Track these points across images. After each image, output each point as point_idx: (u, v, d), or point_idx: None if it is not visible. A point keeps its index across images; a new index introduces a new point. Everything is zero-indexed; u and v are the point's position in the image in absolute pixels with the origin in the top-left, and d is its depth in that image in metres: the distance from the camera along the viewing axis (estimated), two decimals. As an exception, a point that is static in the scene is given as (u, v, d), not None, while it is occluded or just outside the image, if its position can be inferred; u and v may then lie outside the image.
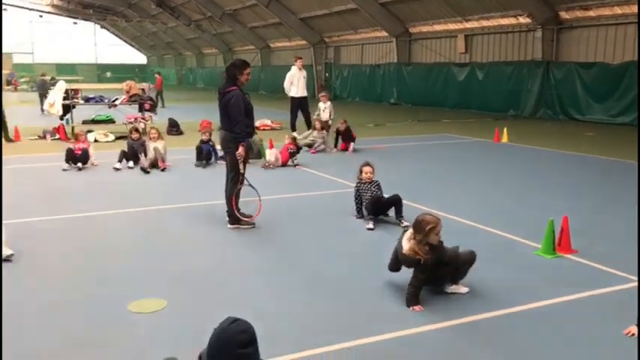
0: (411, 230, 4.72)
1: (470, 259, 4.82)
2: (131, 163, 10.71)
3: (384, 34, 31.09)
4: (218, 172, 9.34)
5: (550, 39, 22.43)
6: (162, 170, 10.48)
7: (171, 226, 6.96)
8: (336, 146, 13.41)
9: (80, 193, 8.85)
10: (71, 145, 10.29)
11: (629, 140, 15.31)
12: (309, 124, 15.11)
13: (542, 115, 22.23)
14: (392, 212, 7.04)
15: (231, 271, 5.44)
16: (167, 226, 6.97)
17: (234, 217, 6.71)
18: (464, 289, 4.79)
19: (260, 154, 11.37)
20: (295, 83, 15.45)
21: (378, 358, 3.79)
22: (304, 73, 15.79)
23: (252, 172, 10.27)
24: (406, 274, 4.71)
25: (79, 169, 10.40)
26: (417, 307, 4.49)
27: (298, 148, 11.47)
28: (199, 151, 11.34)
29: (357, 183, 7.19)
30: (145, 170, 10.26)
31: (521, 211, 7.74)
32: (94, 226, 6.97)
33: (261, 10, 37.40)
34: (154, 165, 10.58)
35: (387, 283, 5.00)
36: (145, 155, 10.59)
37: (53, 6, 58.63)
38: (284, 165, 11.18)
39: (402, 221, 6.80)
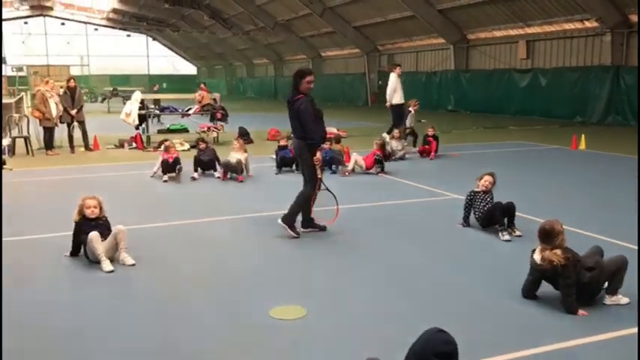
0: (539, 247, 4.61)
1: (621, 262, 4.64)
2: (216, 174, 10.68)
3: (440, 40, 30.83)
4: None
5: (620, 43, 21.80)
6: (241, 182, 10.23)
7: (273, 232, 6.95)
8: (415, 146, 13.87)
9: (179, 201, 8.98)
10: (164, 157, 10.39)
11: None
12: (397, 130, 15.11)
13: (611, 122, 21.58)
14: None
15: (350, 282, 5.38)
16: (269, 231, 6.94)
17: (291, 219, 6.69)
18: (624, 300, 4.61)
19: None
20: (398, 90, 15.45)
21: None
22: (401, 79, 15.75)
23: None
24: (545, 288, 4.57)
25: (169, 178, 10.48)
26: (582, 312, 4.37)
27: (385, 156, 11.36)
28: (280, 159, 11.38)
29: (472, 191, 7.04)
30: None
31: (629, 220, 7.45)
32: (203, 232, 7.05)
33: (314, 19, 37.64)
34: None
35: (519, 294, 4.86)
36: (219, 164, 10.60)
37: (108, 19, 60.48)
38: (368, 170, 11.10)
39: (515, 230, 6.63)
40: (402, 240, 6.70)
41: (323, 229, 6.91)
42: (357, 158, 11.21)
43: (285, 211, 6.77)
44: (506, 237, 6.47)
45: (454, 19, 29.26)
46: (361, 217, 7.80)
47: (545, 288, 4.74)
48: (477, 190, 6.98)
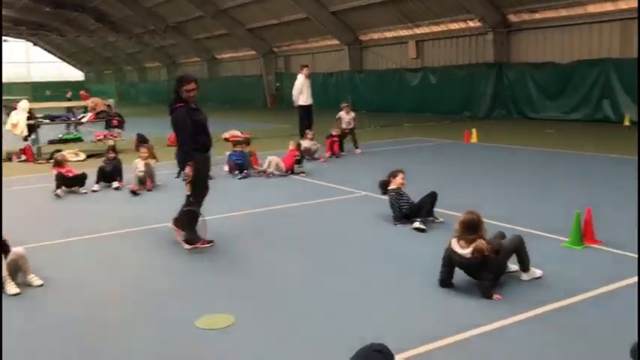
0: (455, 238, 4.86)
1: (517, 242, 5.05)
2: (116, 184, 10.25)
3: (335, 42, 31.42)
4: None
5: (501, 41, 23.28)
6: (149, 191, 9.91)
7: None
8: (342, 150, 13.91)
9: (80, 215, 8.53)
10: (59, 171, 9.78)
11: (589, 134, 16.20)
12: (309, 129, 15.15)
13: (497, 115, 23.01)
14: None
15: (276, 284, 5.39)
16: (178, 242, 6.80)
17: (191, 238, 6.44)
18: (538, 272, 5.04)
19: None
20: (304, 91, 15.46)
21: (470, 355, 3.86)
22: (309, 81, 15.82)
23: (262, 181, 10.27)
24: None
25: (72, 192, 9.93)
26: (497, 296, 4.67)
27: (303, 157, 11.47)
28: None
29: (393, 191, 7.25)
30: (135, 192, 9.77)
31: (529, 205, 8.01)
32: (109, 247, 6.75)
33: (207, 21, 37.07)
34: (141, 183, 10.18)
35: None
36: (121, 176, 10.22)
37: (-19, 23, 56.05)
38: (287, 172, 11.16)
39: (438, 217, 7.13)
40: (323, 238, 6.78)
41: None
42: (277, 160, 11.21)
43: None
44: (423, 226, 6.87)
45: (347, 21, 29.93)
46: (281, 218, 7.83)
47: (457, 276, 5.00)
48: (394, 187, 7.22)
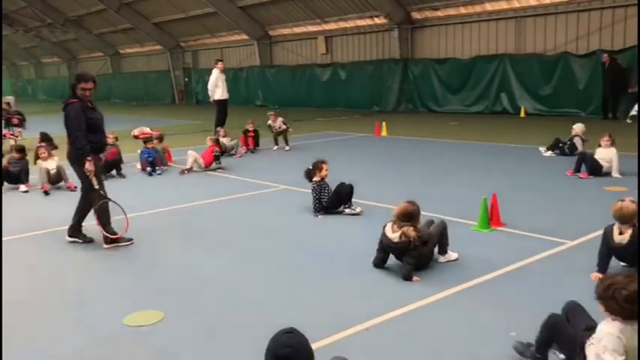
0: (390, 223, 5.13)
1: (442, 228, 5.41)
2: (23, 187, 9.75)
3: (244, 37, 31.28)
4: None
5: (405, 38, 24.14)
6: (73, 190, 9.32)
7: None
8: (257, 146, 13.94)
9: None
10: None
11: (490, 126, 17.23)
12: (221, 125, 15.01)
13: (404, 109, 23.89)
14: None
15: (202, 278, 5.43)
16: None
17: (107, 238, 6.39)
18: (454, 255, 5.40)
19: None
20: (220, 85, 15.39)
21: (395, 334, 4.11)
22: (224, 75, 15.74)
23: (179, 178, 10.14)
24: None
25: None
26: (416, 278, 4.98)
27: (222, 152, 11.40)
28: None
29: (316, 182, 7.41)
30: (47, 193, 9.40)
31: (439, 193, 8.47)
32: (16, 251, 6.48)
33: (109, 15, 35.73)
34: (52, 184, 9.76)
35: (367, 267, 5.35)
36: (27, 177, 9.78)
37: None
38: (207, 168, 11.09)
39: (356, 208, 7.37)
40: (247, 231, 6.85)
41: (89, 241, 6.54)
42: (195, 156, 11.10)
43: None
44: (356, 210, 7.27)
45: (255, 16, 29.87)
46: (204, 213, 7.82)
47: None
48: (317, 179, 7.42)
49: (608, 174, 9.06)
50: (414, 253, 4.98)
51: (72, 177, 9.39)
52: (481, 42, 22.00)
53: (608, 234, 4.85)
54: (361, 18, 25.87)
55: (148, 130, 17.93)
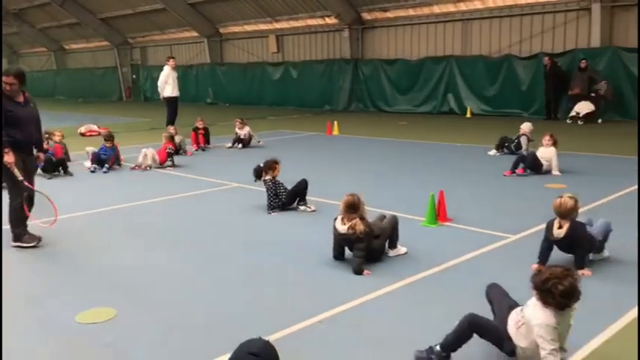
0: (339, 216, 5.27)
1: (394, 222, 5.60)
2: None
3: (194, 34, 30.95)
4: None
5: (356, 38, 24.44)
6: None
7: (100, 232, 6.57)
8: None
9: None
10: None
11: (437, 126, 17.68)
12: (172, 123, 14.87)
13: (354, 109, 24.17)
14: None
15: (156, 276, 5.43)
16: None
17: (17, 236, 6.26)
18: (403, 250, 5.59)
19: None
20: (170, 83, 15.33)
21: (347, 326, 4.24)
22: (176, 73, 15.71)
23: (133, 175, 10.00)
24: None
25: None
26: (367, 272, 5.12)
27: (177, 149, 11.33)
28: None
29: (270, 180, 7.48)
30: None
31: (390, 190, 8.67)
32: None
33: (53, 9, 34.72)
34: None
35: (321, 263, 5.47)
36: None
37: None
38: (162, 165, 11.06)
39: (310, 205, 7.53)
40: (201, 229, 6.86)
41: (37, 241, 6.30)
42: (152, 153, 11.05)
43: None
44: (311, 208, 7.44)
45: (205, 13, 29.60)
46: (158, 212, 7.77)
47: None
48: (269, 178, 7.50)
49: (548, 172, 9.48)
50: (361, 245, 5.14)
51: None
52: (429, 43, 22.48)
53: (549, 228, 5.12)
54: (312, 17, 26.01)
55: (95, 127, 17.65)
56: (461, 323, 3.56)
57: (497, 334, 3.54)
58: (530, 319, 3.35)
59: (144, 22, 33.01)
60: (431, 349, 3.59)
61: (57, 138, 11.23)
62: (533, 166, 9.50)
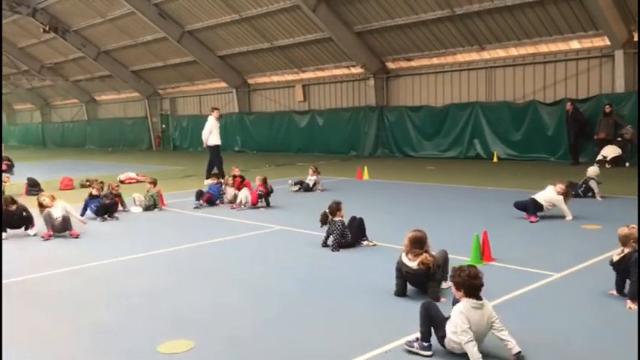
0: (404, 252, 5.61)
1: (446, 255, 5.98)
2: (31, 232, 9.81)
3: (223, 84, 31.98)
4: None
5: (381, 86, 25.14)
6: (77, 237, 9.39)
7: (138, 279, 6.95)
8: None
9: None
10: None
11: (465, 170, 17.98)
12: (219, 171, 15.53)
13: (380, 154, 24.65)
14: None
15: (227, 309, 5.76)
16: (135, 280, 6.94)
17: None
18: (446, 284, 5.89)
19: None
20: (214, 132, 16.46)
21: (410, 356, 4.51)
22: (219, 123, 16.96)
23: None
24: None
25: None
26: (443, 299, 5.48)
27: (268, 191, 11.95)
28: (86, 206, 11.05)
29: (340, 221, 7.97)
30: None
31: (433, 231, 8.93)
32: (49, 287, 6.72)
33: (87, 62, 36.19)
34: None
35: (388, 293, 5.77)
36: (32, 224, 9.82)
37: None
38: (254, 206, 11.75)
39: (372, 240, 8.09)
40: (260, 266, 7.21)
41: None
42: (246, 194, 11.91)
43: None
44: (372, 243, 8.01)
45: (234, 65, 30.67)
46: (207, 253, 8.14)
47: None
48: (337, 219, 8.02)
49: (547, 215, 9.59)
50: (436, 276, 5.45)
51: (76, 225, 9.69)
52: (453, 90, 23.05)
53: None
54: (338, 67, 26.85)
55: (133, 174, 18.28)
56: (420, 313, 4.51)
57: (443, 323, 4.42)
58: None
59: (174, 74, 34.21)
60: (416, 339, 4.49)
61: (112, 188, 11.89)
62: (535, 210, 9.58)
